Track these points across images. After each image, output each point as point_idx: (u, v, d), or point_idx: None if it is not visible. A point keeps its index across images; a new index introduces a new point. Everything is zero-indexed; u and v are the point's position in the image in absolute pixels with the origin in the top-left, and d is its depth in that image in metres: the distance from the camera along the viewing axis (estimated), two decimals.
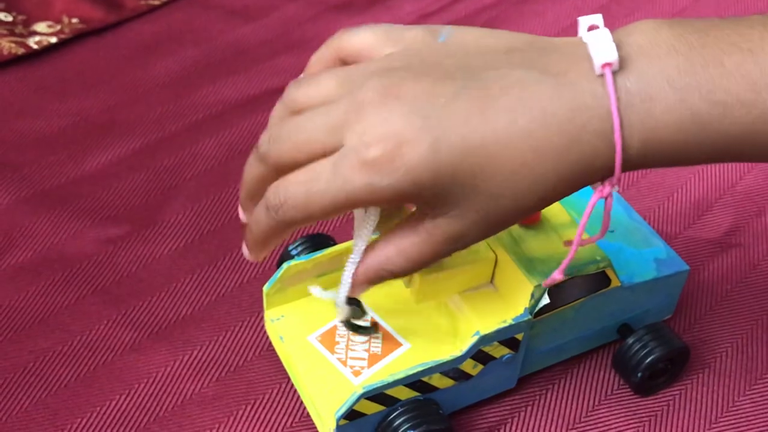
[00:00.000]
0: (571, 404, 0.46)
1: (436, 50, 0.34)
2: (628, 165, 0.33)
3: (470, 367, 0.42)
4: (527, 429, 0.45)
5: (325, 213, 0.33)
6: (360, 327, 0.43)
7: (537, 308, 0.42)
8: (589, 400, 0.46)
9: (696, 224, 0.56)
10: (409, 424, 0.40)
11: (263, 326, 0.49)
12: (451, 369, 0.41)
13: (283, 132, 0.34)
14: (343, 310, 0.40)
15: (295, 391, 0.45)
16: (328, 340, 0.44)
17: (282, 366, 0.46)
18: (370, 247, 0.36)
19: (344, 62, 0.37)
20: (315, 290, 0.41)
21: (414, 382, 0.40)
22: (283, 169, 0.34)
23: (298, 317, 0.45)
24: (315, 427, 0.44)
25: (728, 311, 0.51)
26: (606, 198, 0.34)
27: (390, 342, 0.43)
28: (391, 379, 0.39)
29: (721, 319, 0.50)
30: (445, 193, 0.32)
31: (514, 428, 0.45)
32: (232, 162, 0.59)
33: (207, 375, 0.46)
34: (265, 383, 0.46)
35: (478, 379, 0.43)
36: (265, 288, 0.44)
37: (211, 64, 0.68)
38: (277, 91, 0.65)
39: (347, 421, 0.40)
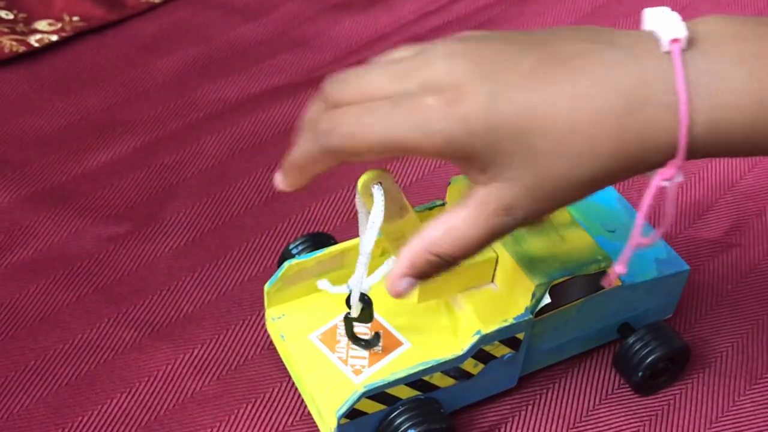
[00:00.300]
0: (572, 404, 0.46)
1: (506, 32, 0.35)
2: (693, 147, 0.32)
3: (471, 366, 0.42)
4: (528, 428, 0.45)
5: (369, 148, 0.33)
6: (360, 339, 0.43)
7: (538, 307, 0.42)
8: (589, 400, 0.46)
9: (696, 224, 0.56)
10: (410, 423, 0.40)
11: (264, 325, 0.49)
12: (452, 368, 0.41)
13: (350, 76, 0.35)
14: (356, 308, 0.40)
15: (296, 389, 0.45)
16: (329, 338, 0.44)
17: (283, 365, 0.46)
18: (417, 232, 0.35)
19: None
20: (323, 284, 0.41)
21: (415, 381, 0.40)
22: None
23: (299, 316, 0.45)
24: (316, 426, 0.44)
25: (728, 311, 0.51)
26: (670, 181, 0.32)
27: (391, 341, 0.43)
28: (392, 378, 0.39)
29: (722, 319, 0.50)
30: (499, 149, 0.32)
31: (514, 427, 0.45)
32: (233, 160, 0.59)
33: (208, 373, 0.46)
34: (266, 382, 0.46)
35: (479, 378, 0.43)
36: (267, 286, 0.44)
37: (211, 62, 0.68)
38: (277, 90, 0.65)
39: (348, 420, 0.40)
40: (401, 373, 0.40)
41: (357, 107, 0.34)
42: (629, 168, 0.32)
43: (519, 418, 0.45)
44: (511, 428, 0.45)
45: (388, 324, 0.44)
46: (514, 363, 0.43)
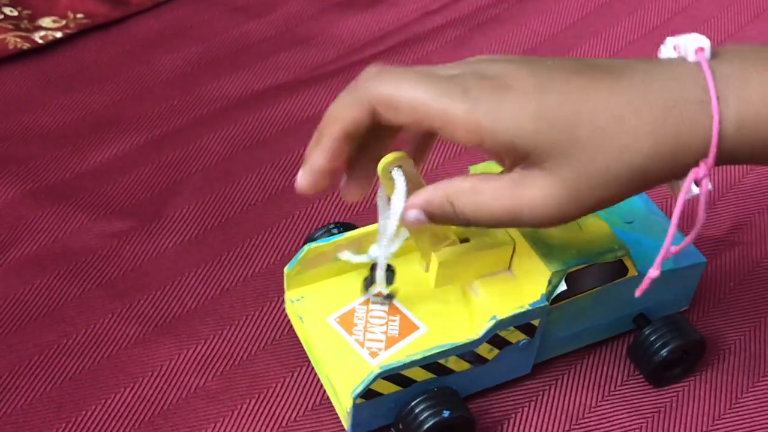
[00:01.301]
0: (583, 395, 0.45)
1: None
2: (723, 144, 0.33)
3: (486, 351, 0.42)
4: (540, 416, 0.44)
5: (410, 102, 0.33)
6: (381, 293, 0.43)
7: (554, 295, 0.42)
8: (599, 391, 0.46)
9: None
10: (431, 411, 0.40)
11: (268, 320, 0.48)
12: (467, 352, 0.41)
13: None
14: (380, 277, 0.40)
15: (300, 385, 0.45)
16: (347, 321, 0.44)
17: (286, 359, 0.46)
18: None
19: None
20: (344, 254, 0.41)
21: (430, 363, 0.40)
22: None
23: (317, 299, 0.45)
24: (319, 421, 0.44)
25: (732, 308, 0.50)
26: (701, 180, 0.34)
27: (407, 325, 0.43)
28: (407, 360, 0.39)
29: (725, 316, 0.50)
30: (543, 137, 0.32)
31: (528, 415, 0.44)
32: (236, 157, 0.59)
33: (211, 369, 0.46)
34: (270, 377, 0.46)
35: (494, 363, 0.42)
36: (286, 269, 0.44)
37: (215, 59, 0.68)
38: (281, 87, 0.65)
39: (364, 400, 0.40)
40: (417, 356, 0.40)
41: (405, 67, 0.34)
42: (665, 167, 0.33)
43: (530, 408, 0.45)
44: (524, 415, 0.44)
45: (405, 309, 0.44)
46: (529, 349, 0.43)
